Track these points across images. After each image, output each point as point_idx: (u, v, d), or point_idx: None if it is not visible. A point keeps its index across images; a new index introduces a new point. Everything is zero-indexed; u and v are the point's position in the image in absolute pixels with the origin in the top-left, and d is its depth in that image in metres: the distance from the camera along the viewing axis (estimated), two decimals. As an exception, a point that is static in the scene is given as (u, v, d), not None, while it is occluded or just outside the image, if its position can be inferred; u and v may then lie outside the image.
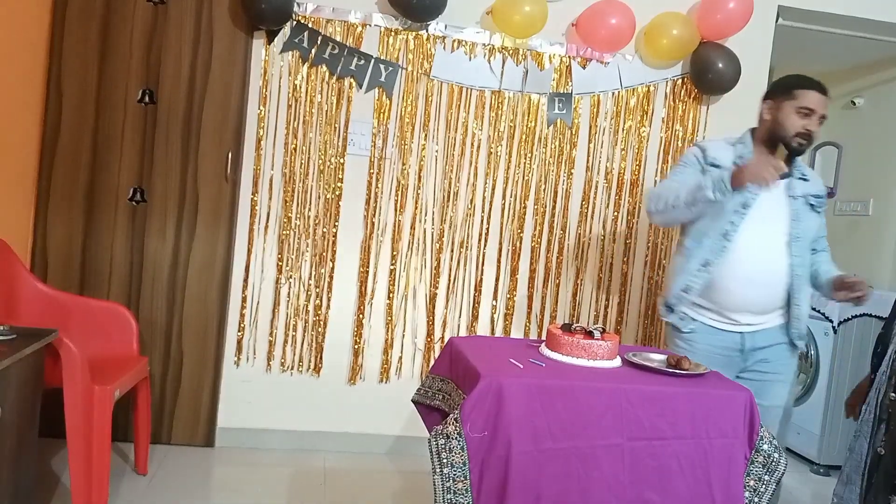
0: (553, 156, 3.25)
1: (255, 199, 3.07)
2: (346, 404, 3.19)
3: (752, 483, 1.74)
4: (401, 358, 3.23)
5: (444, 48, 3.13)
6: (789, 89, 2.24)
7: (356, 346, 3.18)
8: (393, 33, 3.10)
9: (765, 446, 1.74)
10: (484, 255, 3.24)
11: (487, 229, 3.23)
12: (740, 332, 2.26)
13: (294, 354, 3.15)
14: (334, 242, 3.14)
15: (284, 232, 3.10)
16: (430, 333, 3.23)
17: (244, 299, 3.09)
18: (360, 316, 3.17)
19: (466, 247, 3.23)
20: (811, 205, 2.26)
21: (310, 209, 3.11)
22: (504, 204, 3.24)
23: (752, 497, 1.74)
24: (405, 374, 3.23)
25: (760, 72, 3.39)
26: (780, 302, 2.24)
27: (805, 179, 2.28)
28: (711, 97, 3.33)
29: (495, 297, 3.27)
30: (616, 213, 3.32)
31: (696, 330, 2.29)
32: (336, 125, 3.10)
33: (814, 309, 3.60)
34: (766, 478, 1.74)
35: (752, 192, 2.17)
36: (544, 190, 3.26)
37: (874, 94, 4.23)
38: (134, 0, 2.91)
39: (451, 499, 1.58)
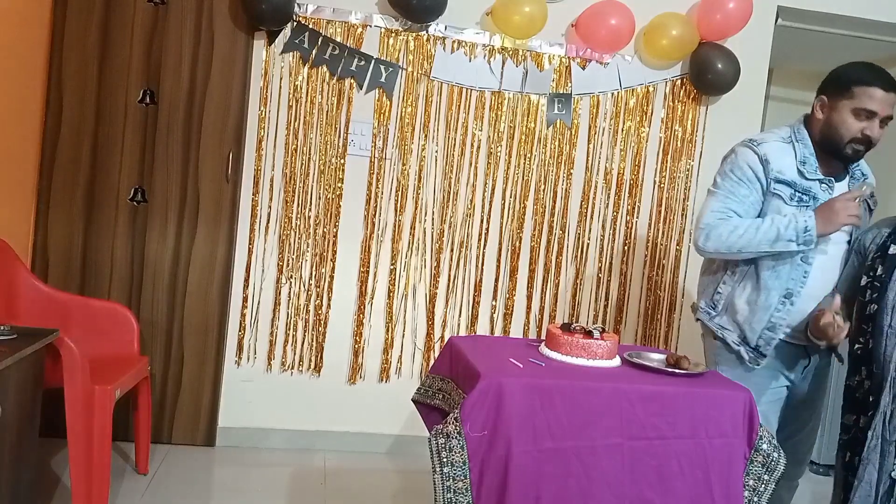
0: (553, 156, 3.25)
1: (256, 199, 3.07)
2: (346, 404, 3.20)
3: (751, 482, 1.74)
4: (401, 358, 3.23)
5: (444, 49, 3.13)
6: (848, 85, 1.94)
7: (356, 346, 3.19)
8: (393, 34, 3.10)
9: (764, 445, 1.74)
10: (484, 255, 3.25)
11: (487, 229, 3.24)
12: (804, 345, 2.04)
13: (294, 354, 3.15)
14: (334, 242, 3.14)
15: (285, 232, 3.10)
16: (430, 333, 3.23)
17: (245, 299, 3.09)
18: (360, 316, 3.18)
19: (466, 247, 3.23)
20: (871, 209, 2.05)
21: (310, 209, 3.11)
22: (504, 204, 3.24)
23: (752, 497, 1.74)
24: (405, 373, 3.23)
25: (760, 72, 3.39)
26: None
27: (865, 177, 2.07)
28: (711, 97, 3.33)
29: (495, 297, 3.27)
30: (616, 213, 3.32)
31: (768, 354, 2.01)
32: (336, 126, 3.10)
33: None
34: (766, 477, 1.75)
35: (820, 201, 1.94)
36: (544, 190, 3.26)
37: (874, 95, 4.22)
38: (134, 0, 2.91)
39: (450, 498, 1.59)
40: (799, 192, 1.96)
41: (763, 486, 1.75)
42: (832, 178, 2.00)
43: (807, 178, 1.97)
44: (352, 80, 3.09)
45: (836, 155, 1.97)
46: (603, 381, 1.70)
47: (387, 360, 3.21)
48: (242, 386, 3.12)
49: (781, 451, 1.77)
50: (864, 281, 1.87)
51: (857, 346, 1.86)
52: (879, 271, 1.81)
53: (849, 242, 2.01)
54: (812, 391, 2.15)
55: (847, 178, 2.04)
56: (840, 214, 1.86)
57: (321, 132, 3.09)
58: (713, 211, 2.01)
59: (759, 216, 2.00)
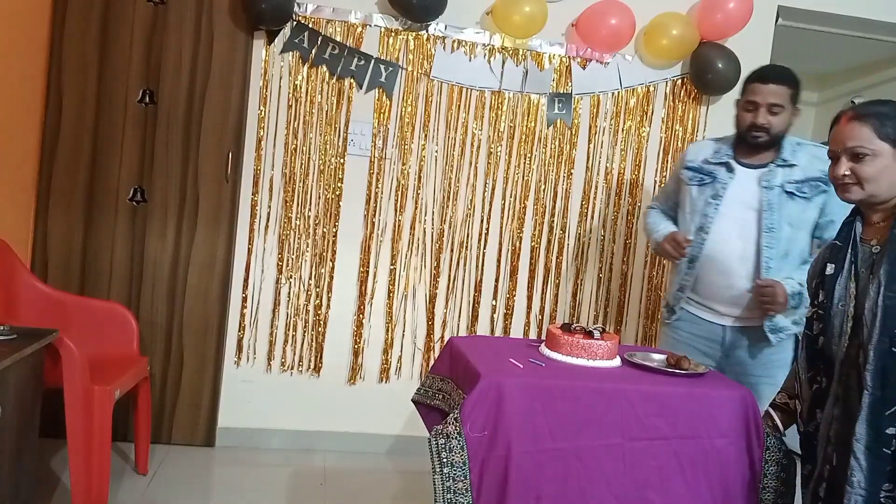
0: (553, 156, 3.25)
1: (256, 199, 3.07)
2: (346, 404, 3.19)
3: (771, 484, 1.72)
4: (401, 358, 3.23)
5: (444, 48, 3.13)
6: (742, 88, 2.29)
7: (356, 346, 3.18)
8: (393, 34, 3.10)
9: (773, 445, 1.73)
10: (484, 256, 3.24)
11: (487, 229, 3.23)
12: (722, 325, 2.29)
13: (294, 354, 3.15)
14: (334, 242, 3.14)
15: (285, 232, 3.10)
16: (430, 333, 3.23)
17: (244, 299, 3.09)
18: (360, 316, 3.17)
19: (466, 247, 3.23)
20: (790, 192, 2.19)
21: (310, 209, 3.11)
22: (504, 204, 3.24)
23: (774, 499, 1.71)
24: (405, 374, 3.23)
25: (760, 72, 3.38)
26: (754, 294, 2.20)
27: (789, 165, 2.21)
28: (711, 97, 3.33)
29: (495, 298, 3.27)
30: (616, 213, 3.32)
31: (682, 318, 2.36)
32: (336, 125, 3.10)
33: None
34: (783, 476, 1.73)
35: (723, 182, 2.25)
36: (544, 190, 3.26)
37: (874, 94, 4.23)
38: (134, 0, 2.91)
39: (450, 498, 1.59)
40: (701, 174, 2.32)
41: (783, 486, 1.73)
42: (743, 163, 2.27)
43: (711, 164, 2.31)
44: (351, 80, 3.08)
45: (747, 144, 2.25)
46: (603, 381, 1.70)
47: (387, 360, 3.21)
48: (242, 386, 3.12)
49: (788, 450, 1.76)
50: (808, 312, 1.68)
51: (814, 386, 1.63)
52: (821, 297, 1.61)
53: (759, 235, 2.21)
54: (744, 374, 2.27)
55: (771, 164, 2.23)
56: (663, 250, 2.34)
57: (321, 132, 3.09)
58: (652, 200, 2.69)
59: (677, 197, 2.44)
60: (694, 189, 2.33)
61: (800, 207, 2.20)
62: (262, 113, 3.05)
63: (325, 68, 3.06)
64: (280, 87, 3.05)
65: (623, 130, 3.29)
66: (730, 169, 2.26)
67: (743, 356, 2.28)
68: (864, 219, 1.60)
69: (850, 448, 1.46)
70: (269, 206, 3.09)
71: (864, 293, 1.50)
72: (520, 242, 3.26)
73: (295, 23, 3.02)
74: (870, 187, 1.52)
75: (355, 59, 3.06)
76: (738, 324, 2.27)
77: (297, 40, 3.03)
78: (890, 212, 1.54)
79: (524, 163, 3.23)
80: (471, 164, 3.20)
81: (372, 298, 3.18)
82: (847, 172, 1.54)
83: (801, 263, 2.22)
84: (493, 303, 3.27)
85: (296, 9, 2.99)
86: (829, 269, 1.61)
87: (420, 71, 3.13)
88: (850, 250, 1.57)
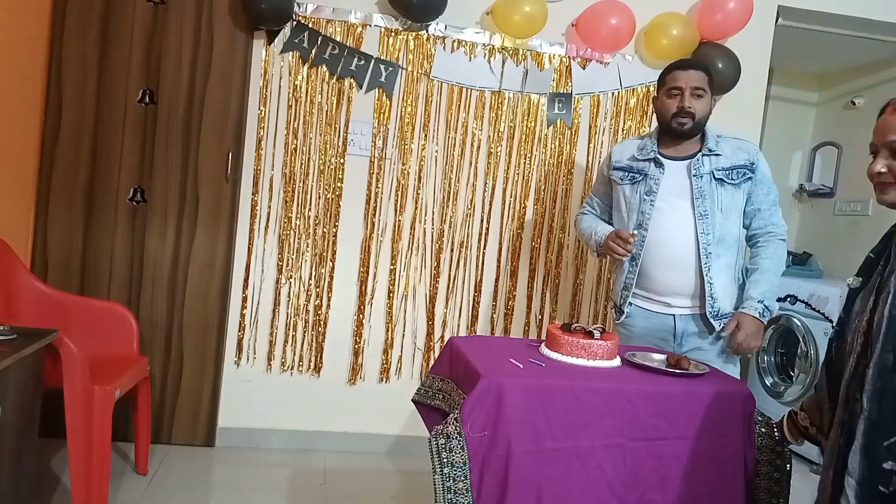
0: (553, 156, 3.25)
1: (256, 199, 3.07)
2: (346, 404, 3.19)
3: (763, 484, 1.72)
4: (401, 358, 3.23)
5: (444, 48, 3.13)
6: (661, 78, 2.33)
7: (356, 346, 3.18)
8: (393, 34, 3.10)
9: (766, 445, 1.74)
10: (484, 256, 3.24)
11: (487, 229, 3.23)
12: (672, 315, 2.29)
13: (294, 354, 3.15)
14: (334, 242, 3.14)
15: (285, 232, 3.10)
16: (430, 333, 3.23)
17: (244, 299, 3.09)
18: (360, 316, 3.17)
19: (466, 247, 3.23)
20: (719, 179, 2.24)
21: (310, 209, 3.11)
22: (504, 204, 3.24)
23: (769, 499, 1.72)
24: (405, 374, 3.23)
25: (760, 72, 3.39)
26: (697, 280, 2.24)
27: (715, 154, 2.26)
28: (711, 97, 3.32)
29: (495, 298, 3.27)
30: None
31: (632, 314, 2.35)
32: (336, 125, 3.10)
33: (813, 308, 3.60)
34: (776, 476, 1.73)
35: (654, 178, 2.27)
36: (544, 190, 3.26)
37: (874, 94, 4.23)
38: (134, 0, 2.91)
39: (451, 499, 1.58)
40: (632, 172, 2.34)
41: (778, 486, 1.73)
42: (670, 157, 2.29)
43: (639, 161, 2.33)
44: (351, 80, 3.08)
45: (670, 133, 2.28)
46: (603, 381, 1.70)
47: (387, 360, 3.21)
48: (242, 386, 3.12)
49: (783, 451, 1.76)
50: (831, 333, 1.51)
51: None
52: (840, 313, 1.46)
53: (694, 223, 2.23)
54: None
55: (699, 155, 2.26)
56: (608, 248, 2.32)
57: (321, 132, 3.09)
58: (581, 207, 2.67)
59: (609, 199, 2.48)
60: (627, 188, 2.35)
61: (729, 194, 2.24)
62: (262, 113, 3.05)
63: (325, 68, 3.06)
64: (280, 86, 3.05)
65: (623, 130, 3.29)
66: (658, 164, 2.29)
67: (697, 342, 2.28)
68: None
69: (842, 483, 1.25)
70: (269, 206, 3.09)
71: (878, 305, 1.30)
72: (520, 242, 3.26)
73: (295, 23, 3.02)
74: None
75: (355, 59, 3.06)
76: (687, 312, 2.28)
77: (297, 40, 3.03)
78: None
79: (524, 163, 3.23)
80: (471, 164, 3.20)
81: (372, 298, 3.18)
82: (884, 170, 1.33)
83: (738, 249, 2.29)
84: (493, 303, 3.27)
85: (296, 9, 2.99)
86: (854, 282, 1.43)
87: (420, 71, 3.13)
88: (882, 263, 1.37)
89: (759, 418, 1.75)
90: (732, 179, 2.25)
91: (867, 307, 1.33)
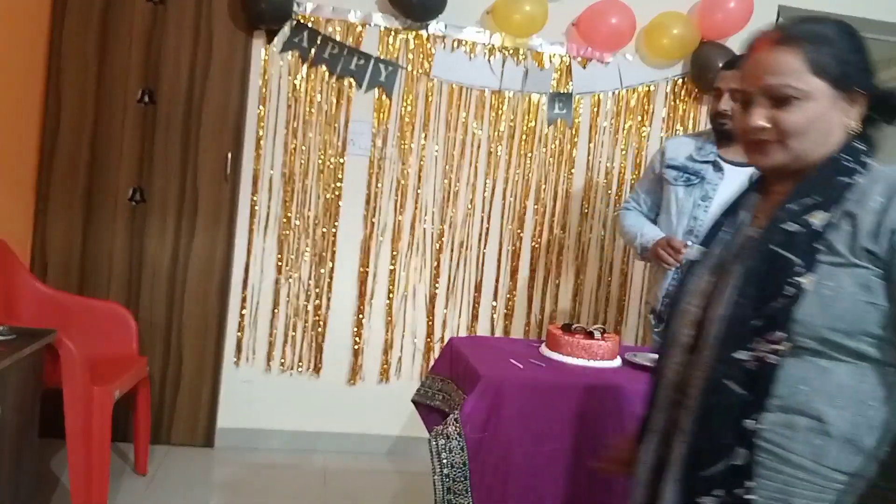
0: (553, 156, 3.25)
1: (255, 199, 3.07)
2: (346, 404, 3.19)
3: None
4: (401, 358, 3.23)
5: (444, 48, 3.12)
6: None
7: (356, 346, 3.18)
8: (393, 33, 3.09)
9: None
10: (484, 256, 3.24)
11: (487, 229, 3.23)
12: None
13: (294, 354, 3.15)
14: (334, 242, 3.13)
15: (284, 232, 3.09)
16: (430, 333, 3.23)
17: (244, 299, 3.09)
18: (360, 316, 3.17)
19: (466, 247, 3.23)
20: None
21: (309, 209, 3.11)
22: (504, 204, 3.23)
23: None
24: (405, 374, 3.23)
25: (761, 71, 3.38)
26: None
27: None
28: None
29: (495, 298, 3.27)
30: (616, 213, 3.31)
31: None
32: (336, 125, 3.09)
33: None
34: None
35: (712, 183, 2.18)
36: (544, 190, 3.26)
37: (874, 94, 4.22)
38: (133, 0, 2.90)
39: (450, 499, 1.58)
40: (687, 173, 2.23)
41: None
42: (733, 163, 2.18)
43: (697, 162, 2.23)
44: (351, 80, 3.08)
45: (729, 139, 2.15)
46: (603, 381, 1.70)
47: (387, 360, 3.21)
48: (241, 386, 3.12)
49: None
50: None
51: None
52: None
53: None
54: None
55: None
56: (656, 255, 2.20)
57: (320, 132, 3.09)
58: (626, 200, 2.54)
59: (658, 197, 2.37)
60: (680, 190, 2.24)
61: None
62: (262, 113, 3.04)
63: (324, 68, 3.06)
64: (280, 86, 3.05)
65: (623, 130, 3.29)
66: (718, 168, 2.20)
67: None
68: (765, 190, 1.13)
69: None
70: (269, 206, 3.08)
71: (717, 294, 1.05)
72: (520, 242, 3.26)
73: (294, 22, 3.02)
74: (795, 145, 1.03)
75: (355, 59, 3.06)
76: None
77: (296, 40, 3.03)
78: (792, 182, 1.05)
79: (524, 163, 3.23)
80: (471, 164, 3.20)
81: (372, 298, 3.18)
82: (765, 124, 1.04)
83: None
84: (494, 303, 3.27)
85: (295, 8, 2.98)
86: (694, 252, 1.18)
87: (420, 70, 3.12)
88: (733, 232, 1.13)
89: None
90: None
91: (702, 290, 1.10)
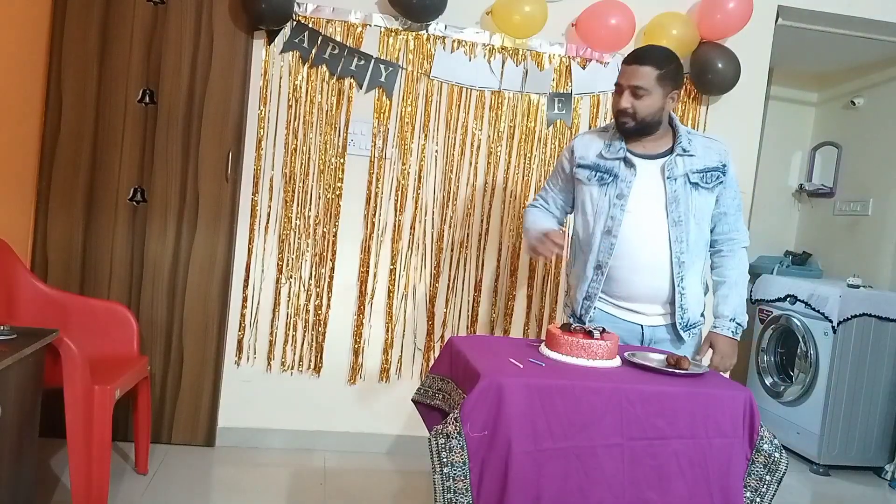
0: (553, 156, 3.25)
1: (256, 199, 3.07)
2: (346, 404, 3.20)
3: (753, 483, 1.74)
4: (401, 358, 3.23)
5: (444, 48, 3.13)
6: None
7: (356, 346, 3.18)
8: (393, 33, 3.10)
9: (765, 446, 1.74)
10: (484, 255, 3.24)
11: (487, 229, 3.23)
12: (640, 324, 2.17)
13: (294, 354, 3.15)
14: (334, 242, 3.14)
15: (285, 232, 3.10)
16: (430, 333, 3.23)
17: (244, 299, 3.09)
18: (360, 316, 3.17)
19: (466, 247, 3.23)
20: (694, 183, 2.10)
21: (310, 209, 3.11)
22: (504, 204, 3.24)
23: (754, 497, 1.74)
24: (405, 373, 3.23)
25: (760, 72, 3.39)
26: (669, 289, 2.13)
27: (689, 155, 2.11)
28: (711, 97, 3.33)
29: (495, 298, 3.27)
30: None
31: (596, 318, 2.18)
32: (336, 125, 3.10)
33: (813, 308, 3.61)
34: (768, 478, 1.74)
35: (626, 181, 2.11)
36: (544, 190, 3.26)
37: (874, 94, 4.23)
38: (134, 0, 2.91)
39: (450, 498, 1.59)
40: (600, 172, 2.16)
41: (765, 486, 1.74)
42: (641, 154, 2.13)
43: (608, 159, 2.15)
44: (351, 80, 3.08)
45: (633, 132, 2.11)
46: (603, 381, 1.70)
47: (387, 360, 3.21)
48: (242, 386, 3.12)
49: (783, 451, 1.77)
50: None
51: None
52: None
53: (668, 229, 2.10)
54: None
55: (672, 155, 2.12)
56: (533, 246, 2.19)
57: (321, 132, 3.09)
58: (534, 198, 2.45)
59: (569, 197, 2.32)
60: (594, 189, 2.16)
61: (703, 199, 2.12)
62: (262, 113, 3.05)
63: (325, 68, 3.06)
64: (280, 86, 3.05)
65: (623, 130, 3.29)
66: (629, 164, 2.12)
67: (667, 349, 2.18)
68: None
69: None
70: (270, 206, 3.09)
71: None
72: (520, 242, 3.26)
73: (295, 23, 3.02)
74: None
75: (355, 59, 3.06)
76: (657, 323, 2.17)
77: (297, 40, 3.03)
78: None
79: (524, 163, 3.24)
80: (471, 164, 3.20)
81: (372, 298, 3.18)
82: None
83: (705, 254, 2.20)
84: (493, 303, 3.27)
85: (296, 9, 2.99)
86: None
87: (420, 71, 3.13)
88: None
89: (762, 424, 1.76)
90: (706, 183, 2.12)
91: None
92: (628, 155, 2.13)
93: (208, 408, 3.06)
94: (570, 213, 2.37)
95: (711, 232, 2.20)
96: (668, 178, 2.10)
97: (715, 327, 2.17)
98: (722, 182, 2.14)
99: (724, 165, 2.15)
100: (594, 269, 2.16)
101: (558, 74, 3.22)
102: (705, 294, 2.25)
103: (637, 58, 2.07)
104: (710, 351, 2.18)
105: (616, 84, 2.10)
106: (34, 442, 2.09)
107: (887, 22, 3.45)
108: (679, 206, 2.09)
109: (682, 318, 2.15)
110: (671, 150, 2.12)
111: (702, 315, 2.22)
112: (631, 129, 2.10)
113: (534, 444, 1.60)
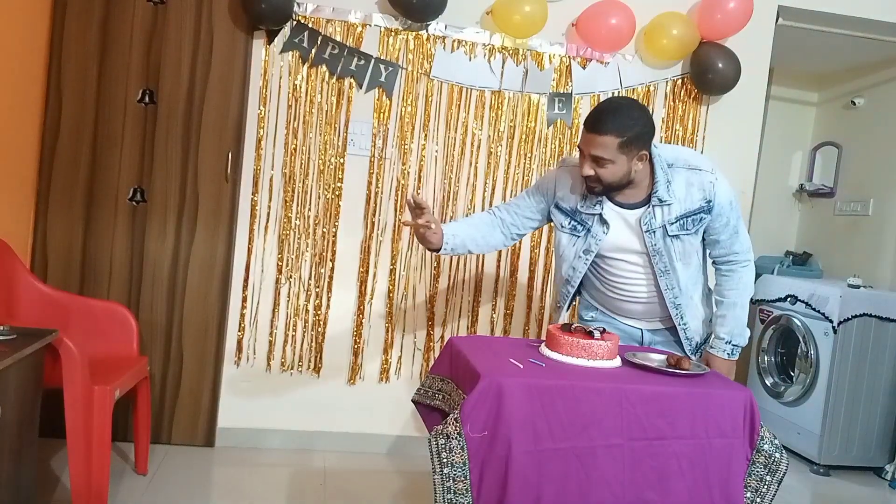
0: (553, 156, 3.25)
1: (256, 199, 3.07)
2: (346, 404, 3.19)
3: (753, 484, 1.74)
4: (400, 358, 3.23)
5: (444, 48, 3.13)
6: None
7: (356, 346, 3.18)
8: (393, 33, 3.10)
9: (766, 446, 1.74)
10: (484, 256, 3.24)
11: (487, 229, 3.23)
12: (640, 328, 2.21)
13: (294, 354, 3.15)
14: (334, 242, 3.14)
15: (284, 232, 3.10)
16: (430, 333, 3.23)
17: (244, 299, 3.09)
18: (360, 316, 3.17)
19: (466, 247, 3.22)
20: (674, 235, 2.03)
21: (310, 209, 3.11)
22: (504, 204, 3.24)
23: (755, 498, 1.74)
24: (405, 374, 3.23)
25: (760, 72, 3.39)
26: (668, 317, 2.15)
27: (667, 204, 2.02)
28: (711, 97, 3.33)
29: (495, 298, 3.27)
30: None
31: (597, 318, 2.23)
32: (336, 125, 3.10)
33: (813, 308, 3.61)
34: (768, 478, 1.74)
35: (596, 238, 2.07)
36: (544, 190, 3.25)
37: (874, 94, 4.23)
38: (134, 0, 2.91)
39: (450, 499, 1.58)
40: (574, 221, 2.11)
41: (765, 487, 1.74)
42: (620, 205, 2.06)
43: (583, 213, 2.09)
44: (351, 80, 3.08)
45: (590, 193, 2.04)
46: (603, 381, 1.70)
47: (386, 360, 3.21)
48: (242, 386, 3.12)
49: (784, 451, 1.77)
50: None
51: None
52: None
53: (658, 279, 2.08)
54: None
55: (648, 205, 2.04)
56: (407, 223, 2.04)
57: (321, 132, 3.09)
58: (496, 206, 2.30)
59: (533, 224, 2.22)
60: (564, 237, 2.15)
61: (686, 242, 2.06)
62: (262, 113, 3.04)
63: (324, 68, 3.06)
64: (280, 86, 3.05)
65: (623, 130, 3.28)
66: (603, 221, 2.06)
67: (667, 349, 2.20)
68: None
69: None
70: (269, 206, 3.09)
71: None
72: (520, 242, 3.26)
73: (295, 22, 3.02)
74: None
75: (355, 59, 3.06)
76: (655, 327, 2.20)
77: (296, 40, 3.03)
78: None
79: (524, 163, 3.23)
80: (471, 164, 3.20)
81: (372, 298, 3.18)
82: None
83: (704, 273, 2.17)
84: (493, 303, 3.27)
85: (296, 8, 2.99)
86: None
87: (420, 71, 3.13)
88: None
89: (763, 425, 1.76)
90: (687, 229, 2.04)
91: None
92: (602, 212, 2.06)
93: (208, 408, 3.06)
94: (520, 237, 2.29)
95: (708, 254, 2.17)
96: (646, 231, 2.03)
97: (711, 347, 2.14)
98: (705, 217, 2.05)
99: (709, 202, 2.03)
100: (563, 284, 2.24)
101: (558, 74, 3.22)
102: (708, 298, 2.24)
103: (595, 124, 1.91)
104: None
105: (580, 148, 1.98)
106: (34, 442, 2.09)
107: (887, 22, 3.45)
108: (662, 258, 2.05)
109: (689, 345, 2.16)
110: (649, 201, 2.03)
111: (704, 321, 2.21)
112: (599, 192, 2.02)
113: (534, 445, 1.60)
